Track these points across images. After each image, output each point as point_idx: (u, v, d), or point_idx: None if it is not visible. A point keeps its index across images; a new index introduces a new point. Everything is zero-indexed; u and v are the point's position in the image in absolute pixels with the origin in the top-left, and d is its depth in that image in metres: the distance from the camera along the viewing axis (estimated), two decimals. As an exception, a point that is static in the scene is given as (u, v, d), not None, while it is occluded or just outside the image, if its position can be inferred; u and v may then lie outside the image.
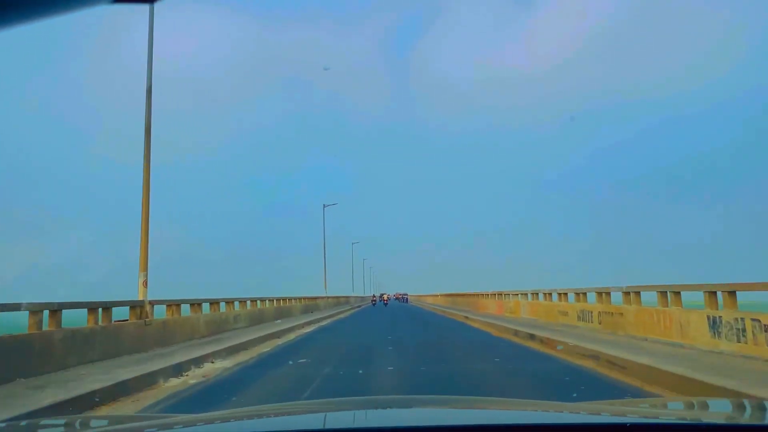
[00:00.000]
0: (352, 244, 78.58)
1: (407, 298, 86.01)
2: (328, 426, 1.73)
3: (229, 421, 1.98)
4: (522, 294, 22.98)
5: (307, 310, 29.76)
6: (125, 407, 6.74)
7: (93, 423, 2.82)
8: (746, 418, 1.84)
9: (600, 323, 13.97)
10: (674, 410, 2.32)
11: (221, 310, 16.76)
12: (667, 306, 10.84)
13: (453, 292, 47.95)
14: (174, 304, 13.52)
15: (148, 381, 7.95)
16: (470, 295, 36.12)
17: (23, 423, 3.84)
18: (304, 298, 30.75)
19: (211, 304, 15.95)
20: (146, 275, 12.46)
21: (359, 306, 54.21)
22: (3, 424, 3.57)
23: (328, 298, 41.70)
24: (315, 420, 1.86)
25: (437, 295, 58.55)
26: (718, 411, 2.18)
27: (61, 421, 3.31)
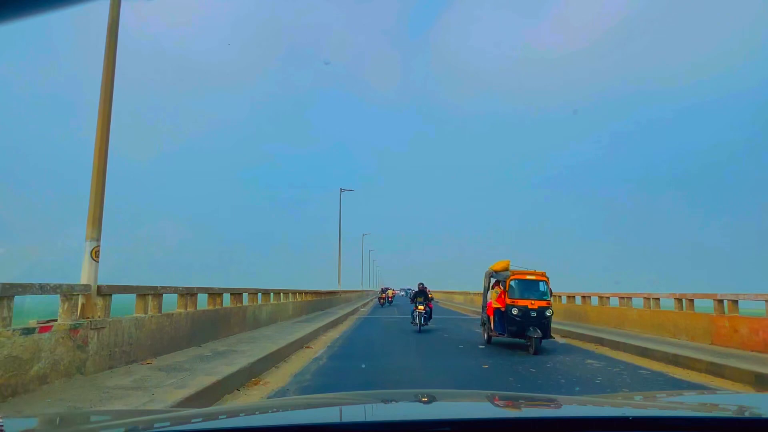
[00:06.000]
0: (363, 235, 72.93)
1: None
2: (334, 420, 1.72)
3: (239, 416, 1.97)
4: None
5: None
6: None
7: (113, 416, 2.46)
8: (743, 412, 1.79)
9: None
10: (676, 403, 2.29)
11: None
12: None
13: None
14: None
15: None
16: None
17: (32, 417, 3.32)
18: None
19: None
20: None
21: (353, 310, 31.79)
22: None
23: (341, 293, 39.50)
24: (327, 414, 1.91)
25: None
26: (724, 404, 2.14)
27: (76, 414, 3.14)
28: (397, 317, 28.14)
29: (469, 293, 47.97)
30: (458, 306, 43.32)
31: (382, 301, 43.14)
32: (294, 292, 21.67)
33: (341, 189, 42.79)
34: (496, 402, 2.21)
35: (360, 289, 66.90)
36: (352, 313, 30.03)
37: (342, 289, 42.17)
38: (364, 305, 42.14)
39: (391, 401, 2.21)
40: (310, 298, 26.01)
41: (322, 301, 29.22)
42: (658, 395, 2.80)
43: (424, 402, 2.20)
